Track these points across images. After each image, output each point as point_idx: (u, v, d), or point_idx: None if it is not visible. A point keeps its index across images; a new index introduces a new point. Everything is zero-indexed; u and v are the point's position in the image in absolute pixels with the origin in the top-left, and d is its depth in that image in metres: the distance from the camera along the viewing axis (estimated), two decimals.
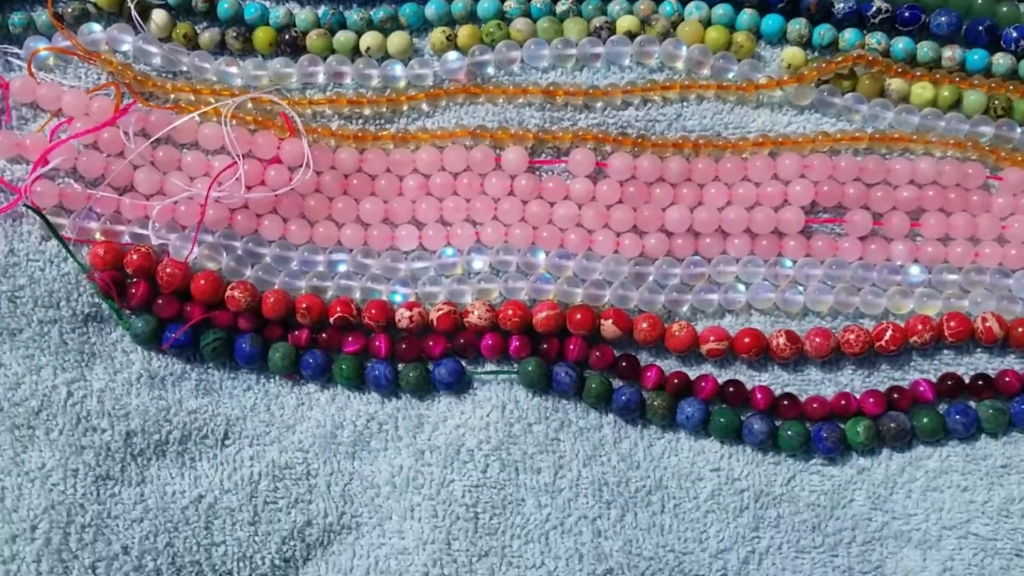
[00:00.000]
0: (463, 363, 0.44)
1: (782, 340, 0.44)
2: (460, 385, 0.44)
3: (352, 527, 0.43)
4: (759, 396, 0.44)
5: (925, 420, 0.44)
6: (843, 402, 0.44)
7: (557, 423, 0.44)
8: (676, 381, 0.44)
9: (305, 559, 0.43)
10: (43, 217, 0.42)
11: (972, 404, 0.44)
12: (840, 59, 0.45)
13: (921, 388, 0.44)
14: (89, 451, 0.42)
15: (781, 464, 0.44)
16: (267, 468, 0.43)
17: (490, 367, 0.44)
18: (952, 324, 0.44)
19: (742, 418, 0.44)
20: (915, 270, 0.45)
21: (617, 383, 0.44)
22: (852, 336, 0.44)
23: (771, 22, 0.45)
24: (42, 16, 0.44)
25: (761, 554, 0.43)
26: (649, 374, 0.44)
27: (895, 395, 0.44)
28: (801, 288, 0.44)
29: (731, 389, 0.44)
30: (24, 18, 0.44)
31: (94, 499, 0.42)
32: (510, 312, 0.43)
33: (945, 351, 0.45)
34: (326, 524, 0.43)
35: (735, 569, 0.43)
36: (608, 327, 0.44)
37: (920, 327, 0.44)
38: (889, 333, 0.44)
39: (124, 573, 0.41)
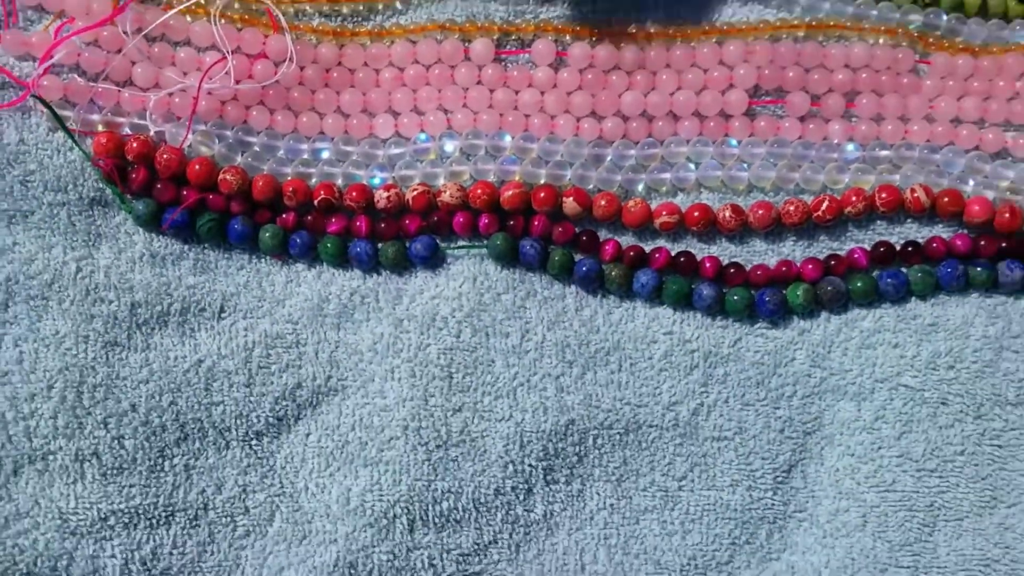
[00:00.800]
0: (437, 239, 0.49)
1: (728, 213, 0.49)
2: (434, 260, 0.49)
3: (338, 389, 0.49)
4: (708, 265, 0.49)
5: (859, 284, 0.49)
6: (784, 269, 0.49)
7: (524, 292, 0.49)
8: (632, 253, 0.49)
9: (296, 418, 0.48)
10: (50, 108, 0.47)
11: (903, 269, 0.49)
12: None
13: (856, 255, 0.49)
14: (98, 320, 0.47)
15: (728, 327, 0.49)
16: (260, 337, 0.48)
17: (462, 242, 0.49)
18: (884, 195, 0.49)
19: (692, 286, 0.49)
20: (850, 147, 0.49)
21: (578, 256, 0.49)
22: (792, 208, 0.49)
23: None
24: None
25: (709, 407, 0.49)
26: (607, 247, 0.49)
27: (832, 262, 0.49)
28: (746, 165, 0.49)
29: (682, 259, 0.49)
30: None
31: (103, 362, 0.47)
32: (479, 191, 0.48)
33: (878, 221, 0.50)
34: (315, 387, 0.48)
35: (685, 420, 0.48)
36: (569, 204, 0.48)
37: (854, 199, 0.49)
38: (825, 204, 0.49)
39: (133, 428, 0.47)
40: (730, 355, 0.49)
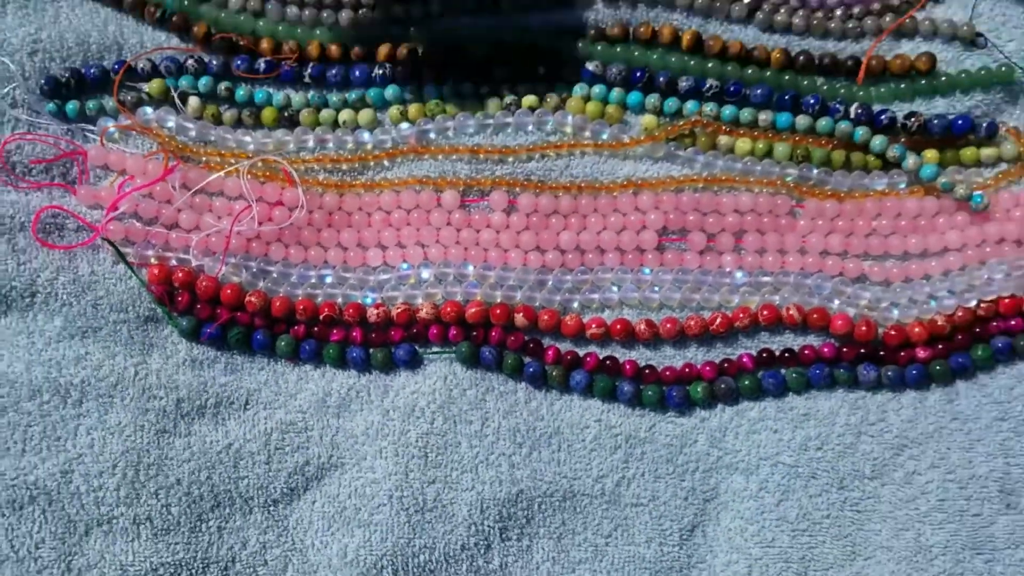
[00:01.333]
0: (416, 347, 0.63)
1: (643, 326, 0.63)
2: (414, 363, 0.63)
3: (338, 465, 0.62)
4: (627, 367, 0.63)
5: (747, 382, 0.63)
6: (687, 370, 0.63)
7: (484, 388, 0.63)
8: (569, 357, 0.63)
9: (305, 489, 0.62)
10: (115, 247, 0.61)
11: (782, 371, 0.63)
12: (683, 123, 0.64)
13: (744, 359, 0.63)
14: (151, 412, 0.61)
15: (645, 416, 0.63)
16: (276, 424, 0.62)
17: (435, 349, 0.63)
18: (765, 312, 0.63)
19: (616, 383, 0.63)
20: (739, 275, 0.64)
21: (527, 359, 0.63)
22: (693, 323, 0.63)
23: (633, 97, 0.65)
24: (109, 102, 0.64)
25: (629, 479, 0.62)
26: (549, 352, 0.63)
27: (726, 364, 0.63)
28: (657, 289, 0.64)
29: (608, 362, 0.63)
30: (96, 104, 0.64)
31: (155, 446, 0.61)
32: (449, 309, 0.63)
33: (761, 332, 0.64)
34: (319, 464, 0.62)
35: (610, 489, 0.62)
36: (519, 319, 0.63)
37: (742, 315, 0.63)
38: (719, 319, 0.63)
39: (177, 498, 0.60)
40: (646, 438, 0.63)
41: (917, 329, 0.63)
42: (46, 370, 0.60)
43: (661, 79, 0.64)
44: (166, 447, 0.60)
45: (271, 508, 0.61)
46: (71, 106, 0.63)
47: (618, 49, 0.65)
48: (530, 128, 0.64)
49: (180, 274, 0.62)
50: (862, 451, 0.62)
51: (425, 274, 0.63)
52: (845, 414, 0.62)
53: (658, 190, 0.64)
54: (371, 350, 0.63)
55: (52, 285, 0.61)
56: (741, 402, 0.63)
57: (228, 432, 0.61)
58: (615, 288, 0.64)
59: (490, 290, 0.63)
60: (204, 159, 0.64)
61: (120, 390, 0.60)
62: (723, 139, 0.64)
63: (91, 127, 0.64)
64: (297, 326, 0.63)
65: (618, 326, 0.63)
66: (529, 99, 0.64)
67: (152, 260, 0.62)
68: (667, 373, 0.63)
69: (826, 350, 0.63)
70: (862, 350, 0.63)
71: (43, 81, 0.63)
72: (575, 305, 0.64)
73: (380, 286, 0.63)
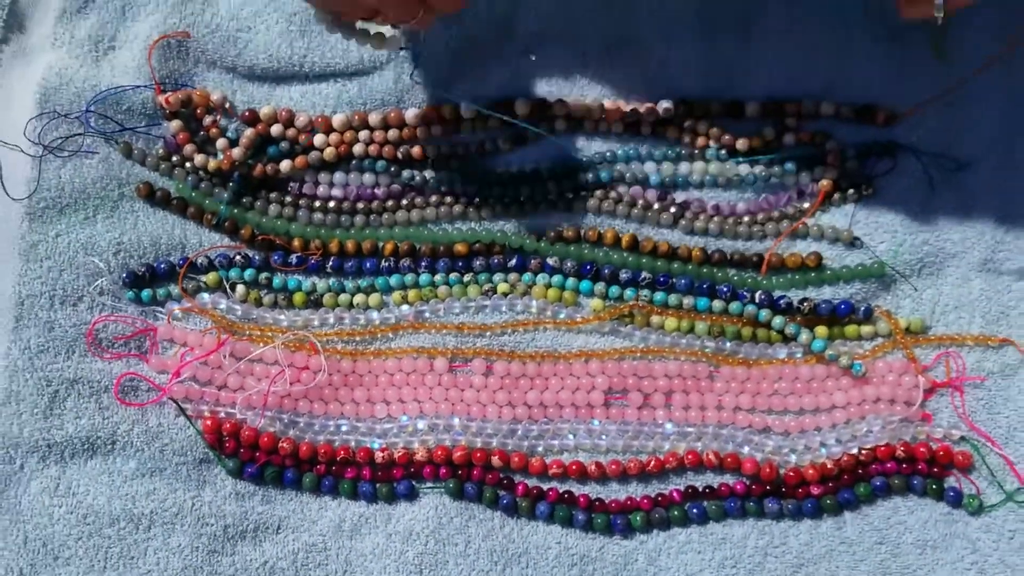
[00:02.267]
0: (413, 483, 0.82)
1: (593, 467, 0.81)
2: (411, 495, 0.81)
3: None
4: (581, 499, 0.80)
5: (676, 513, 0.80)
6: (629, 502, 0.81)
7: (467, 516, 0.80)
8: (535, 491, 0.81)
9: None
10: (178, 404, 0.81)
11: (704, 503, 0.82)
12: (624, 306, 0.84)
13: (674, 494, 0.81)
14: (204, 536, 0.79)
15: (596, 539, 0.79)
16: (302, 545, 0.79)
17: (428, 484, 0.82)
18: (690, 457, 0.81)
19: (572, 512, 0.81)
20: (669, 426, 0.82)
21: (501, 493, 0.82)
22: (632, 464, 0.81)
23: (584, 285, 0.84)
24: (175, 290, 0.84)
25: None
26: (519, 487, 0.81)
27: (659, 498, 0.81)
28: (604, 437, 0.82)
29: (566, 496, 0.81)
30: (165, 291, 0.83)
31: (207, 563, 0.78)
32: (439, 452, 0.81)
33: (687, 472, 0.82)
34: None
35: None
36: (495, 460, 0.81)
37: (671, 459, 0.81)
38: (653, 462, 0.81)
39: None
40: (597, 557, 0.80)
41: (811, 471, 0.81)
42: (123, 503, 0.78)
43: (606, 271, 0.84)
44: (216, 564, 0.78)
45: None
46: (145, 293, 0.83)
47: (572, 248, 0.85)
48: (503, 309, 0.84)
49: (228, 425, 0.80)
50: (768, 569, 0.79)
51: (420, 424, 0.82)
52: (754, 538, 0.80)
53: (604, 358, 0.83)
54: (377, 485, 0.81)
55: (129, 435, 0.79)
56: (672, 528, 0.80)
57: (264, 552, 0.79)
58: (571, 436, 0.82)
59: (472, 437, 0.81)
60: (248, 333, 0.83)
61: (180, 518, 0.78)
62: (655, 318, 0.83)
63: (160, 309, 0.83)
64: (319, 466, 0.81)
65: (573, 466, 0.81)
66: (503, 286, 0.84)
67: (206, 414, 0.81)
68: (613, 504, 0.80)
69: (739, 487, 0.81)
70: (767, 487, 0.81)
71: (124, 275, 0.82)
72: (539, 449, 0.82)
73: (385, 433, 0.82)
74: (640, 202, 0.86)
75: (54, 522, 0.77)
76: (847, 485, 0.81)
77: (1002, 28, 0.85)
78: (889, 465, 0.81)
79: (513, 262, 0.85)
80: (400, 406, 0.82)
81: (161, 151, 0.85)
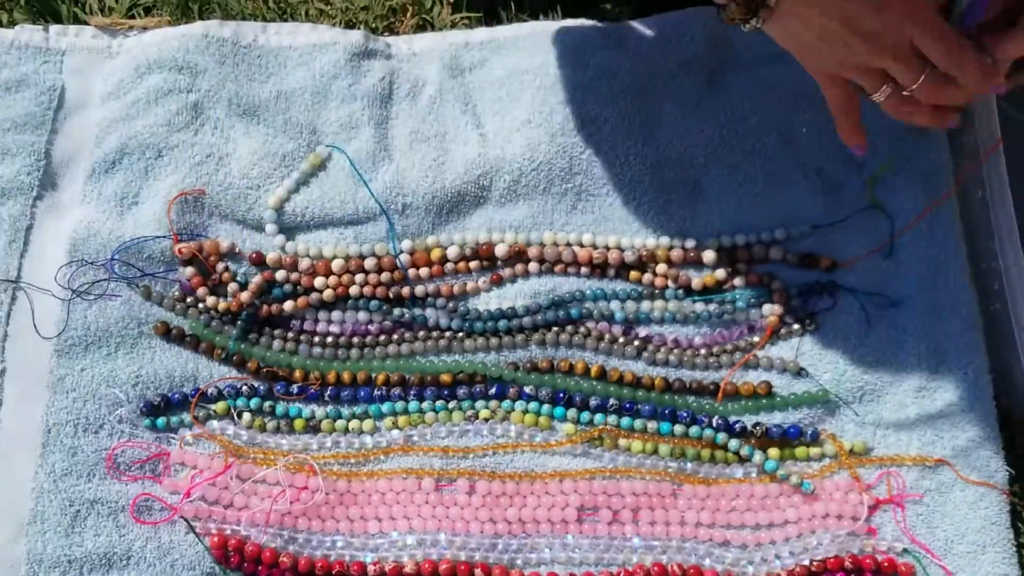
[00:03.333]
0: None
1: None
2: None
3: None
4: None
5: None
6: None
7: None
8: None
9: None
10: (188, 522, 0.91)
11: None
12: (594, 429, 0.95)
13: None
14: None
15: None
16: None
17: None
18: (656, 569, 0.91)
19: None
20: (636, 540, 0.93)
21: None
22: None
23: (558, 411, 0.95)
24: (187, 418, 0.95)
25: None
26: None
27: None
28: (577, 551, 0.92)
29: None
30: (178, 419, 0.94)
31: None
32: (427, 566, 0.90)
33: None
34: None
35: None
36: (479, 573, 0.91)
37: (639, 571, 0.91)
38: (622, 573, 0.91)
39: None
40: None
41: None
42: None
43: (577, 398, 0.96)
44: None
45: None
46: (160, 421, 0.94)
47: (546, 377, 0.97)
48: (484, 433, 0.95)
49: (234, 541, 0.90)
50: None
51: (410, 540, 0.91)
52: None
53: (577, 478, 0.94)
54: None
55: (143, 550, 0.89)
56: None
57: None
58: (547, 550, 0.91)
59: (457, 551, 0.91)
60: (252, 456, 0.94)
61: None
62: (622, 441, 0.94)
63: (174, 436, 0.94)
64: None
65: None
66: (484, 412, 0.95)
67: (213, 531, 0.91)
68: None
69: None
70: None
71: (142, 404, 0.94)
72: (519, 562, 0.91)
73: (377, 548, 0.91)
74: (607, 336, 0.98)
75: None
76: None
77: (928, 187, 1.00)
78: (839, 575, 0.90)
79: (493, 390, 0.96)
80: (391, 522, 0.92)
81: (177, 293, 0.98)
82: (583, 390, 0.96)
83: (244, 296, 0.97)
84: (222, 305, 0.97)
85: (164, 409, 0.94)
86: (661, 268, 1.00)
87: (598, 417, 0.96)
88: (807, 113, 1.02)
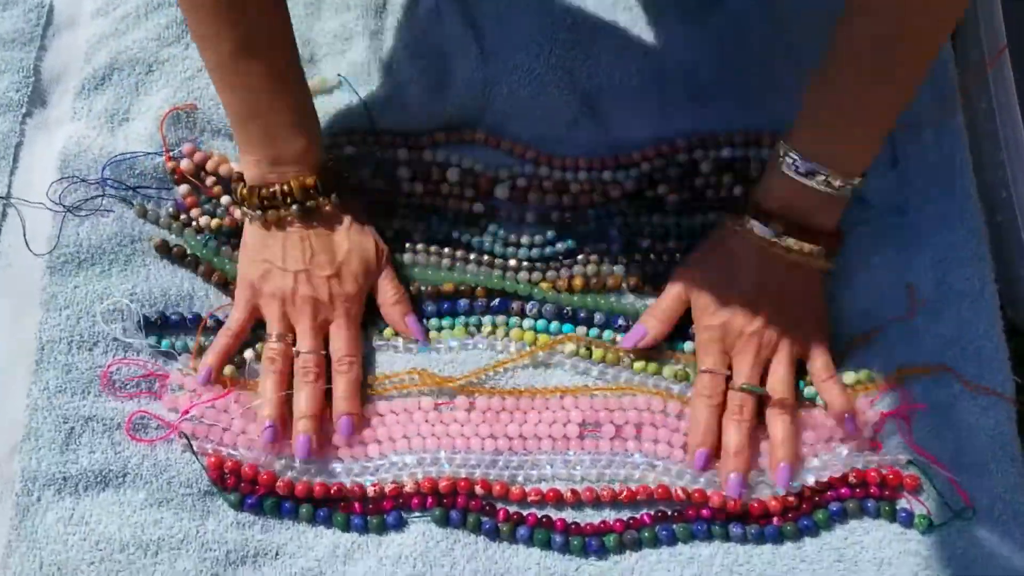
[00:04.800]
0: (402, 513, 0.90)
1: (569, 493, 0.90)
2: (400, 524, 0.89)
3: None
4: (559, 524, 0.89)
5: (647, 534, 0.87)
6: (603, 525, 0.89)
7: (452, 540, 0.87)
8: (515, 516, 0.90)
9: None
10: (188, 439, 0.90)
11: (672, 526, 0.90)
12: (596, 341, 0.95)
13: (645, 518, 0.89)
14: (207, 560, 0.84)
15: (572, 559, 0.86)
16: (299, 570, 0.86)
17: (416, 514, 0.89)
18: (659, 490, 0.88)
19: (550, 535, 0.89)
20: (638, 456, 0.92)
21: (484, 519, 0.90)
22: (606, 492, 0.89)
23: (566, 327, 0.95)
24: (190, 342, 0.94)
25: None
26: (500, 513, 0.89)
27: (631, 521, 0.89)
28: (579, 466, 0.92)
29: (544, 520, 0.89)
30: (182, 343, 0.94)
31: None
32: (426, 484, 0.90)
33: (660, 503, 0.91)
34: None
35: None
36: (479, 490, 0.91)
37: (643, 491, 0.90)
38: (625, 491, 0.90)
39: None
40: (575, 573, 0.89)
41: (773, 503, 0.89)
42: (132, 530, 0.86)
43: (581, 314, 0.96)
44: None
45: None
46: (165, 342, 0.93)
47: (549, 292, 0.96)
48: (483, 347, 0.95)
49: (230, 463, 0.90)
50: None
51: (408, 459, 0.91)
52: (720, 557, 0.88)
53: (578, 394, 0.93)
54: (368, 517, 0.89)
55: (139, 468, 0.89)
56: (643, 549, 0.88)
57: (264, 575, 0.88)
58: (548, 466, 0.91)
59: (456, 468, 0.91)
60: (253, 382, 0.93)
61: (186, 544, 0.87)
62: (625, 359, 0.95)
63: (174, 358, 0.94)
64: (316, 505, 0.89)
65: (550, 493, 0.90)
66: (485, 328, 0.95)
67: (209, 450, 0.90)
68: (588, 528, 0.89)
69: (705, 512, 0.89)
70: (727, 515, 0.89)
71: (138, 320, 0.93)
72: (519, 479, 0.91)
73: (376, 470, 0.91)
74: (606, 258, 0.99)
75: (68, 548, 0.86)
76: (807, 513, 0.89)
77: (934, 95, 1.00)
78: (844, 491, 0.90)
79: (496, 303, 0.97)
80: (391, 444, 0.91)
81: (171, 210, 0.97)
82: (586, 305, 0.95)
83: (238, 213, 0.95)
84: (215, 223, 0.96)
85: (162, 327, 0.94)
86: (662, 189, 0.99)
87: (606, 334, 0.96)
88: (813, 25, 1.00)
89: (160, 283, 0.95)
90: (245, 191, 0.91)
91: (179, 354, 0.94)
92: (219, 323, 0.95)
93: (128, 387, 0.91)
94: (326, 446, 0.91)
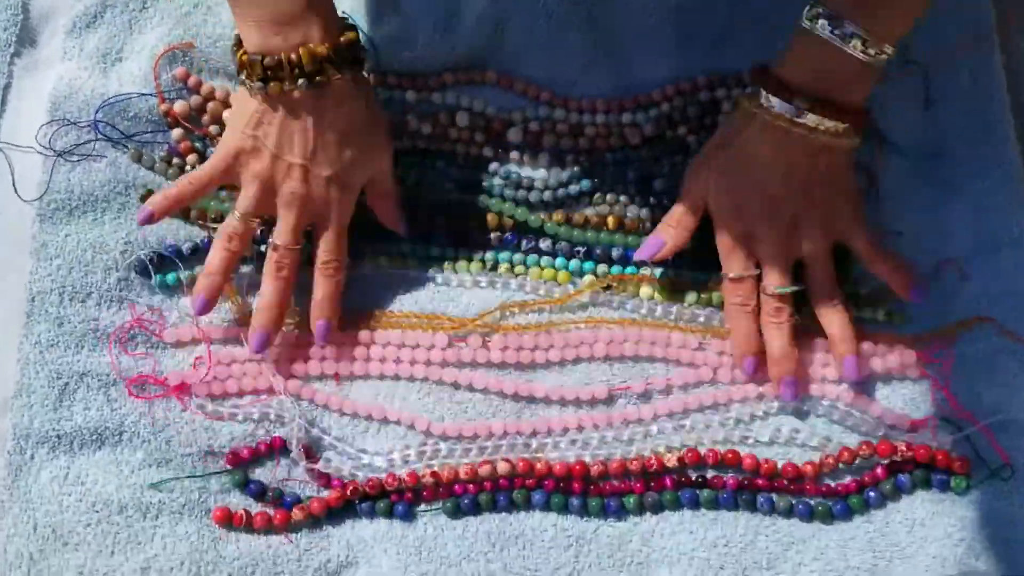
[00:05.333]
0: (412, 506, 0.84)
1: (598, 465, 0.86)
2: (409, 517, 0.84)
3: (353, 563, 0.79)
4: (576, 486, 0.85)
5: (668, 497, 0.82)
6: (623, 486, 0.86)
7: (463, 527, 0.83)
8: (529, 483, 0.85)
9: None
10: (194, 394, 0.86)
11: (696, 490, 0.86)
12: (612, 277, 0.90)
13: (666, 481, 0.84)
14: (208, 523, 0.84)
15: (591, 521, 0.82)
16: (304, 531, 0.85)
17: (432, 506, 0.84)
18: (689, 455, 0.84)
19: (568, 498, 0.85)
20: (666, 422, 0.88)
21: (500, 495, 0.84)
22: (635, 463, 0.85)
23: (587, 264, 0.91)
24: (185, 275, 0.90)
25: (579, 571, 0.81)
26: (516, 482, 0.84)
27: (652, 483, 0.85)
28: (603, 447, 0.86)
29: (561, 485, 0.84)
30: (175, 277, 0.90)
31: (212, 549, 0.79)
32: (446, 473, 0.85)
33: (689, 467, 0.87)
34: (339, 561, 0.81)
35: None
36: (501, 466, 0.86)
37: (672, 458, 0.85)
38: (654, 460, 0.85)
39: None
40: (592, 538, 0.82)
41: (808, 468, 0.85)
42: (131, 491, 0.83)
43: (598, 251, 0.93)
44: (220, 549, 0.82)
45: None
46: (171, 276, 0.89)
47: (563, 229, 0.93)
48: (499, 286, 0.92)
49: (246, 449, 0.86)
50: (759, 547, 0.83)
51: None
52: (745, 518, 0.84)
53: (599, 326, 0.89)
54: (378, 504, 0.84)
55: (136, 426, 0.85)
56: (664, 511, 0.83)
57: (268, 537, 0.84)
58: (570, 443, 0.87)
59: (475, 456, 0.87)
60: None
61: (187, 508, 0.83)
62: (644, 290, 0.91)
63: (171, 299, 0.90)
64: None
65: (578, 467, 0.85)
66: (503, 267, 0.92)
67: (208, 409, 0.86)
68: (606, 488, 0.85)
69: (731, 482, 0.84)
70: (759, 483, 0.85)
71: (135, 263, 0.89)
72: (547, 446, 0.87)
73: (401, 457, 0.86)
74: (623, 197, 0.95)
75: (63, 509, 0.82)
76: (842, 496, 0.85)
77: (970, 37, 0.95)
78: (880, 472, 0.86)
79: (509, 235, 0.93)
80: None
81: (164, 155, 0.93)
82: (602, 242, 0.92)
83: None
84: None
85: (160, 265, 0.90)
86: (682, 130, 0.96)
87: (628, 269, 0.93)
88: None
89: (155, 231, 0.90)
90: (246, 58, 0.81)
91: (185, 284, 0.90)
92: None
93: (126, 345, 0.87)
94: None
